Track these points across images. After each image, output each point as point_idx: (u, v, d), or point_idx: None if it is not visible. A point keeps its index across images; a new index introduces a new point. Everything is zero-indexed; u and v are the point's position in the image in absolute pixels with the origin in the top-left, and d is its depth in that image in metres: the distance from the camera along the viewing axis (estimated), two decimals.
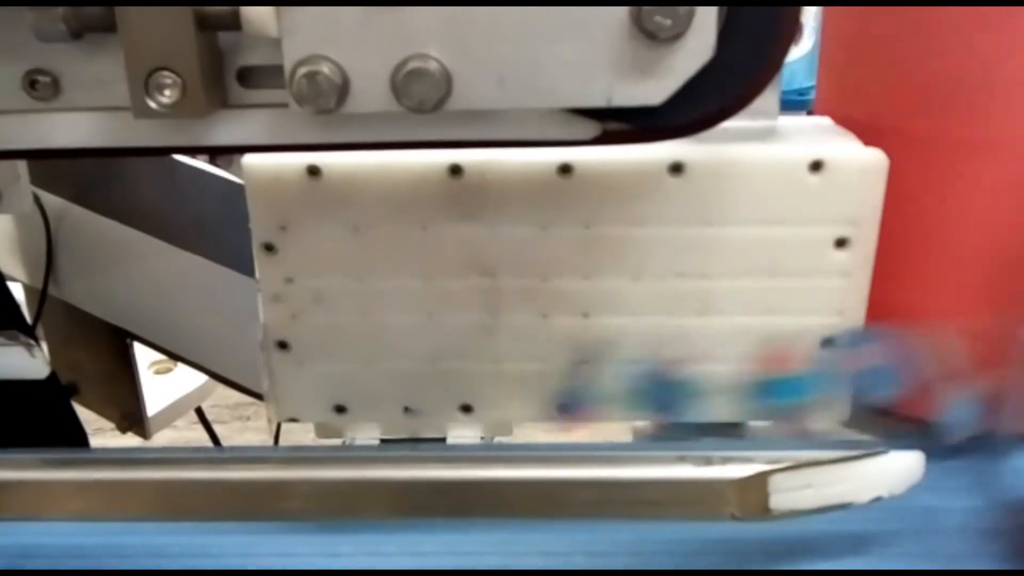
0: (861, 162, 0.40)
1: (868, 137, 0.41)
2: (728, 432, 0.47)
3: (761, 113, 0.41)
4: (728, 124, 0.41)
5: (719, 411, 0.44)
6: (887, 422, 0.46)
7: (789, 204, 0.40)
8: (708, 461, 0.34)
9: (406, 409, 0.46)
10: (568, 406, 0.44)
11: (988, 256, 0.42)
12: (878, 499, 0.34)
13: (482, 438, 0.48)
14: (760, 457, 0.34)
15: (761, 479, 0.33)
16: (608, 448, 0.44)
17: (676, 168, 0.40)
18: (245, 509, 0.35)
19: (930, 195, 0.42)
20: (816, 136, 0.41)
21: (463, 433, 0.47)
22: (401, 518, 0.37)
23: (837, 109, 0.44)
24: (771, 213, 0.40)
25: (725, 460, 0.34)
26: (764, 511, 0.33)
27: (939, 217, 0.42)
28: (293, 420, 0.47)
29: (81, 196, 0.61)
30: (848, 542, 0.37)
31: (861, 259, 0.41)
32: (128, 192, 0.60)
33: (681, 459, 0.34)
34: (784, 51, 0.29)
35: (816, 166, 0.39)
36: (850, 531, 0.37)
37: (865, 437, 0.47)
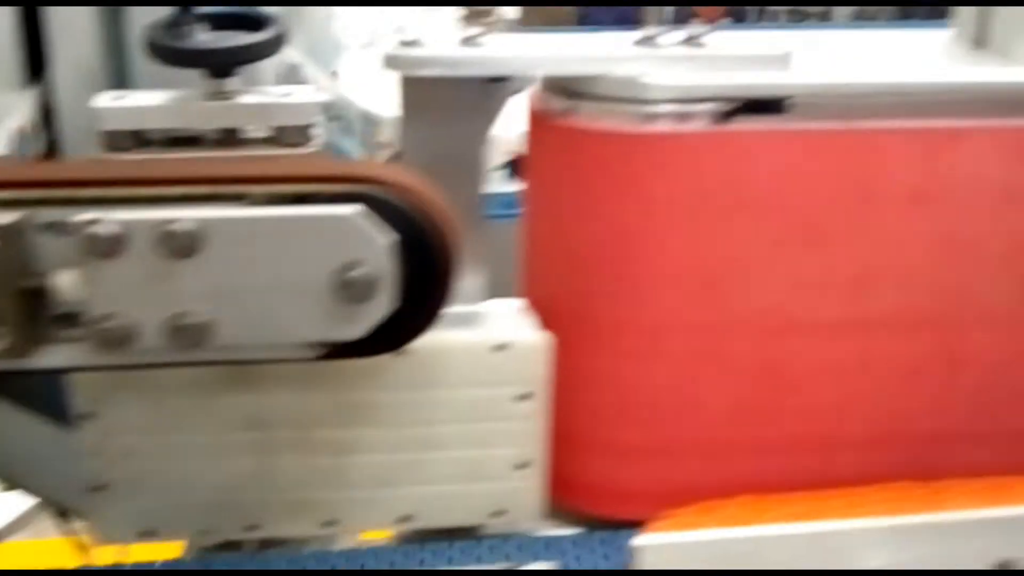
0: (533, 343, 0.55)
1: (548, 318, 0.56)
2: None
3: (468, 298, 0.56)
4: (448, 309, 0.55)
5: None
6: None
7: (484, 372, 0.55)
8: None
9: (202, 532, 0.58)
10: None
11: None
12: None
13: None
14: None
15: None
16: None
17: (400, 350, 0.54)
18: None
19: (589, 365, 0.58)
20: (505, 321, 0.57)
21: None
22: None
23: (529, 293, 0.60)
24: (471, 378, 0.55)
25: None
26: None
27: (602, 386, 0.58)
28: (108, 544, 0.58)
29: None
30: None
31: (539, 406, 0.56)
32: None
33: None
34: (442, 300, 0.44)
35: (500, 347, 0.55)
36: None
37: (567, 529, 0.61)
